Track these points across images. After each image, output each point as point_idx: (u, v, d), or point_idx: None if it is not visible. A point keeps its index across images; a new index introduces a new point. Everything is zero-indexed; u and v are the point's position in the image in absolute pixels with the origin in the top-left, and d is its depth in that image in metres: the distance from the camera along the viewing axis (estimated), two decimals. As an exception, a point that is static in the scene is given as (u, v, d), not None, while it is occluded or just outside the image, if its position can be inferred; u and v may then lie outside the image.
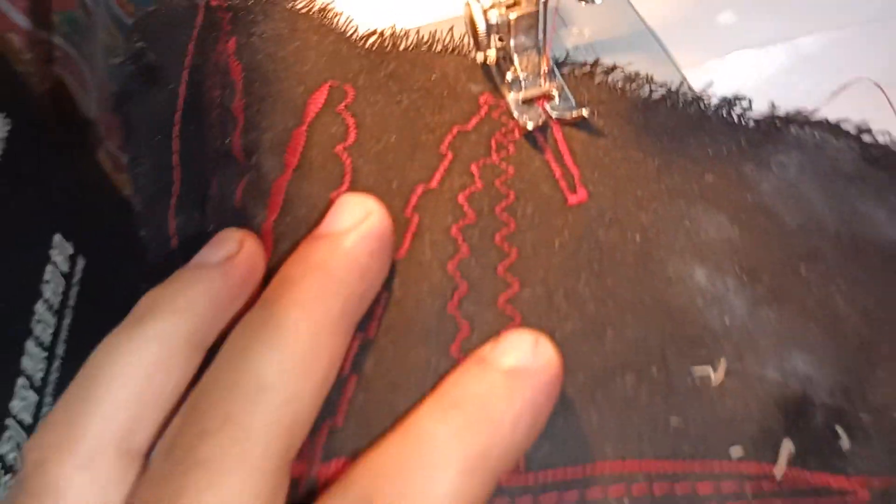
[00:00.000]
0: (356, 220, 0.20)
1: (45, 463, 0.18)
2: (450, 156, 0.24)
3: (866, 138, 0.25)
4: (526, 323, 0.21)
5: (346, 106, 0.24)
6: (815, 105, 0.26)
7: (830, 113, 0.25)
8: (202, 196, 0.26)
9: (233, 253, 0.21)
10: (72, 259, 0.44)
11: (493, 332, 0.20)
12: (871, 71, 0.27)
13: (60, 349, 0.43)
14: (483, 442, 0.17)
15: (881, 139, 0.25)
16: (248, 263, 0.21)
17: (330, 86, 0.25)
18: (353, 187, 0.23)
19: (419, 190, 0.23)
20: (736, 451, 0.21)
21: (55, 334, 0.42)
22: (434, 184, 0.23)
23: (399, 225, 0.22)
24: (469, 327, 0.21)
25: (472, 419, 0.18)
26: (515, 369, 0.19)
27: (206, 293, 0.20)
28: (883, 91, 0.27)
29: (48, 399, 0.45)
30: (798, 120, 0.25)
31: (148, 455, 0.19)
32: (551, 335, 0.20)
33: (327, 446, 0.20)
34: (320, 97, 0.24)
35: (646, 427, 0.21)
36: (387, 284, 0.21)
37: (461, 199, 0.23)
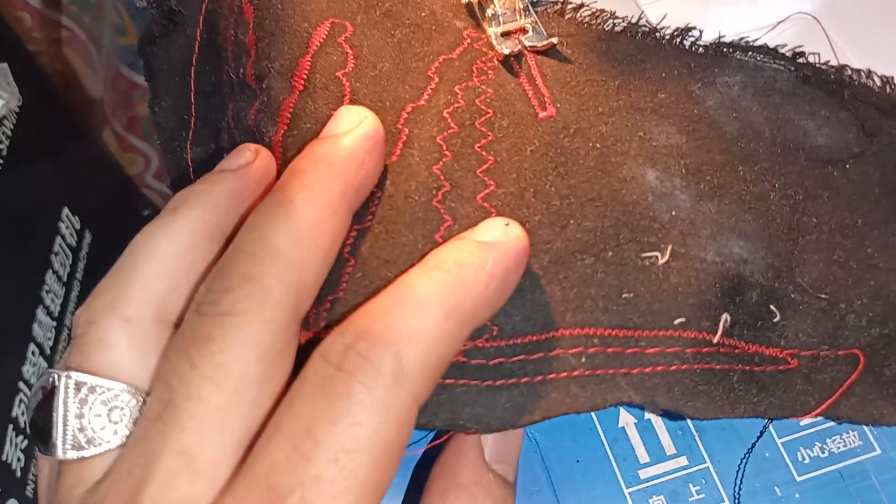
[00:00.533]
0: (353, 125, 0.24)
1: (94, 322, 0.22)
2: (436, 79, 0.28)
3: (801, 61, 0.29)
4: (500, 215, 0.25)
5: (345, 38, 0.28)
6: (758, 36, 0.29)
7: (771, 43, 0.29)
8: (216, 129, 0.30)
9: (250, 160, 0.25)
10: (79, 233, 0.48)
11: (473, 223, 0.24)
12: (808, 6, 0.31)
13: (68, 320, 0.46)
14: (459, 294, 0.21)
15: (813, 60, 0.29)
16: (263, 168, 0.25)
17: (332, 22, 0.28)
18: (352, 105, 0.27)
19: (409, 108, 0.27)
20: (679, 321, 0.25)
21: (63, 305, 0.45)
22: (422, 101, 0.27)
23: (392, 135, 0.26)
24: (451, 219, 0.25)
25: (450, 276, 0.21)
26: (489, 241, 0.23)
27: (227, 191, 0.24)
28: (819, 22, 0.31)
29: (56, 368, 0.48)
30: (741, 47, 0.29)
31: (179, 326, 0.22)
32: (522, 225, 0.24)
33: (329, 315, 0.24)
34: (323, 31, 0.28)
35: (601, 300, 0.25)
36: (380, 184, 0.25)
37: (446, 114, 0.27)
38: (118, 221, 0.56)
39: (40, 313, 0.43)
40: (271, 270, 0.21)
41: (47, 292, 0.43)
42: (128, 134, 0.66)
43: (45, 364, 0.44)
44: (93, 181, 0.57)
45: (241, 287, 0.20)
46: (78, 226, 0.47)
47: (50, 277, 0.44)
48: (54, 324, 0.44)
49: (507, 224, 0.23)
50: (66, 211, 0.46)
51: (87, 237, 0.49)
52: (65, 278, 0.45)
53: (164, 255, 0.22)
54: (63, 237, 0.42)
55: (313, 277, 0.22)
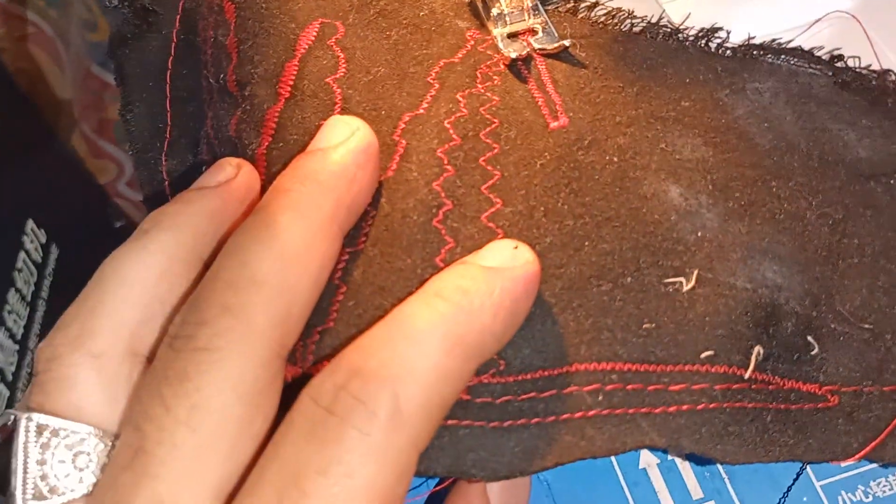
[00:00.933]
0: (344, 137, 0.24)
1: (57, 358, 0.21)
2: (437, 85, 0.27)
3: (839, 64, 0.29)
4: (508, 237, 0.25)
5: (336, 41, 0.28)
6: (791, 37, 0.29)
7: (806, 45, 0.29)
8: (195, 139, 0.30)
9: (231, 177, 0.25)
10: (44, 248, 0.48)
11: (477, 246, 0.24)
12: (847, 4, 0.31)
13: (32, 343, 0.46)
14: (463, 326, 0.21)
15: (853, 64, 0.29)
16: (245, 185, 0.25)
17: (321, 22, 0.28)
18: (344, 115, 0.27)
19: (406, 117, 0.27)
20: (707, 355, 0.25)
21: (27, 327, 0.45)
22: (421, 110, 0.27)
23: (387, 148, 0.26)
24: (454, 240, 0.25)
25: (452, 306, 0.21)
26: (495, 267, 0.23)
27: (205, 211, 0.24)
28: (859, 21, 0.30)
29: (19, 395, 0.48)
30: (773, 49, 0.29)
31: (152, 360, 0.22)
32: (532, 247, 0.23)
33: (318, 348, 0.24)
34: (311, 32, 0.28)
35: (620, 331, 0.24)
36: (375, 202, 0.25)
37: (447, 124, 0.26)
38: (88, 235, 0.56)
39: (2, 336, 0.42)
40: (253, 300, 0.21)
41: (9, 313, 0.43)
42: (99, 138, 0.66)
43: (6, 392, 0.44)
44: (60, 190, 0.57)
45: (220, 319, 0.20)
46: (44, 240, 0.47)
47: (13, 296, 0.44)
48: (17, 347, 0.44)
49: (515, 247, 0.23)
50: (30, 224, 0.46)
51: (54, 252, 0.49)
52: (29, 298, 0.45)
53: (135, 283, 0.22)
54: (27, 252, 0.42)
55: (300, 307, 0.22)
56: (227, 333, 0.20)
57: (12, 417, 0.21)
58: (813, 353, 0.25)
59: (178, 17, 0.31)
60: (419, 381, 0.20)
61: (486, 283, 0.22)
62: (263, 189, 0.25)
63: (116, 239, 0.24)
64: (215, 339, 0.20)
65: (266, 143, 0.26)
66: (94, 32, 0.59)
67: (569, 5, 0.30)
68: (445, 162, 0.26)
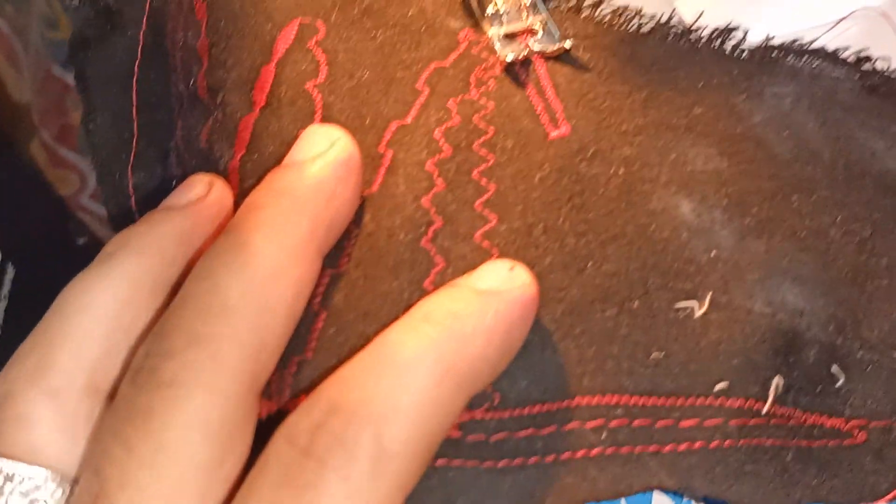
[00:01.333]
0: (323, 148, 0.24)
1: (13, 395, 0.22)
2: (426, 91, 0.28)
3: (866, 67, 0.29)
4: (503, 257, 0.25)
5: (317, 42, 0.28)
6: (814, 36, 0.29)
7: (830, 45, 0.29)
8: (163, 150, 0.30)
9: (201, 195, 0.25)
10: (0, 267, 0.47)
11: (470, 267, 0.24)
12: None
13: None
14: (454, 354, 0.21)
15: (881, 66, 0.29)
16: (218, 204, 0.25)
17: (300, 22, 0.28)
18: (324, 123, 0.27)
19: (393, 126, 0.27)
20: (721, 387, 0.25)
21: None
22: (409, 119, 0.27)
23: (372, 160, 0.26)
24: (444, 261, 0.25)
25: (442, 332, 0.21)
26: (489, 289, 0.23)
27: (174, 233, 0.24)
28: (889, 19, 0.31)
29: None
30: (794, 50, 0.29)
31: (114, 396, 0.22)
32: (530, 268, 0.24)
33: (297, 381, 0.24)
34: (290, 33, 0.28)
35: (626, 360, 0.24)
36: (358, 220, 0.25)
37: (437, 134, 0.27)
38: (47, 253, 0.56)
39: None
40: (223, 330, 0.21)
41: (-39, 341, 0.43)
42: (60, 146, 0.66)
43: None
44: (16, 204, 0.57)
45: (186, 351, 0.20)
46: (-3, 258, 0.46)
47: (-35, 323, 0.44)
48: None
49: (511, 268, 0.23)
50: (-17, 243, 0.46)
51: (10, 272, 0.49)
52: (-18, 323, 0.45)
53: (97, 313, 0.22)
54: (-20, 274, 0.42)
55: (275, 337, 0.22)
56: (194, 366, 0.20)
57: (-39, 460, 0.21)
58: (838, 384, 0.25)
59: (146, 17, 0.31)
60: (405, 417, 0.20)
61: (480, 306, 0.22)
62: (237, 205, 0.25)
63: (79, 258, 0.24)
64: (182, 373, 0.20)
65: (239, 155, 0.26)
66: (55, 30, 0.59)
67: (571, 3, 0.30)
68: (435, 175, 0.26)
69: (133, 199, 0.30)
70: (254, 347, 0.21)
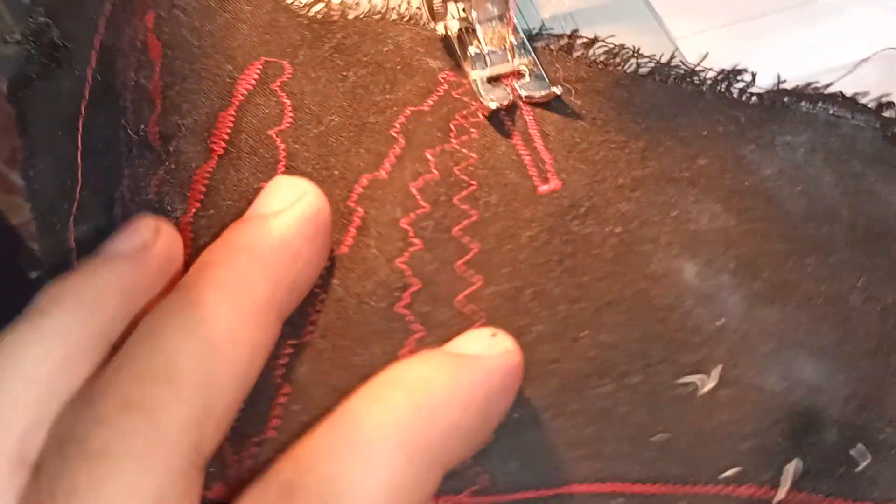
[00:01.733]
0: (288, 203, 0.24)
1: None
2: (402, 140, 0.27)
3: (888, 114, 0.29)
4: (489, 323, 0.25)
5: (282, 84, 0.28)
6: (831, 79, 0.29)
7: (848, 88, 0.29)
8: (109, 200, 0.29)
9: (148, 242, 0.24)
10: None
11: (452, 334, 0.24)
12: (896, 40, 0.31)
13: None
14: (425, 425, 0.20)
15: (904, 114, 0.29)
16: (166, 252, 0.24)
17: (264, 62, 0.28)
18: (289, 175, 0.26)
19: (364, 180, 0.27)
20: (730, 473, 0.24)
21: None
22: (382, 172, 0.27)
23: (341, 217, 0.26)
24: (423, 328, 0.24)
25: (412, 400, 0.20)
26: (467, 354, 0.22)
27: (116, 286, 0.23)
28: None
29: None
30: (808, 95, 0.29)
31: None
32: (518, 338, 0.23)
33: (256, 463, 0.23)
34: (252, 75, 0.28)
35: (626, 444, 0.24)
36: (325, 284, 0.25)
37: (413, 188, 0.26)
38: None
39: None
40: (163, 396, 0.20)
41: None
42: (11, 171, 0.65)
43: None
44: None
45: (120, 417, 0.20)
46: (-56, 292, 0.46)
47: None
48: None
49: (493, 334, 0.23)
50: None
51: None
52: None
53: (27, 378, 0.22)
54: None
55: (224, 404, 0.21)
56: (127, 436, 0.19)
57: None
58: (861, 466, 0.25)
59: (95, 53, 0.31)
60: (370, 498, 0.19)
61: (455, 371, 0.21)
62: (188, 264, 0.25)
63: (31, 292, 0.23)
64: (114, 443, 0.19)
65: (193, 210, 0.26)
66: (5, 44, 0.59)
67: (562, 42, 0.30)
68: (411, 234, 0.26)
69: (75, 252, 0.29)
70: (197, 416, 0.20)
